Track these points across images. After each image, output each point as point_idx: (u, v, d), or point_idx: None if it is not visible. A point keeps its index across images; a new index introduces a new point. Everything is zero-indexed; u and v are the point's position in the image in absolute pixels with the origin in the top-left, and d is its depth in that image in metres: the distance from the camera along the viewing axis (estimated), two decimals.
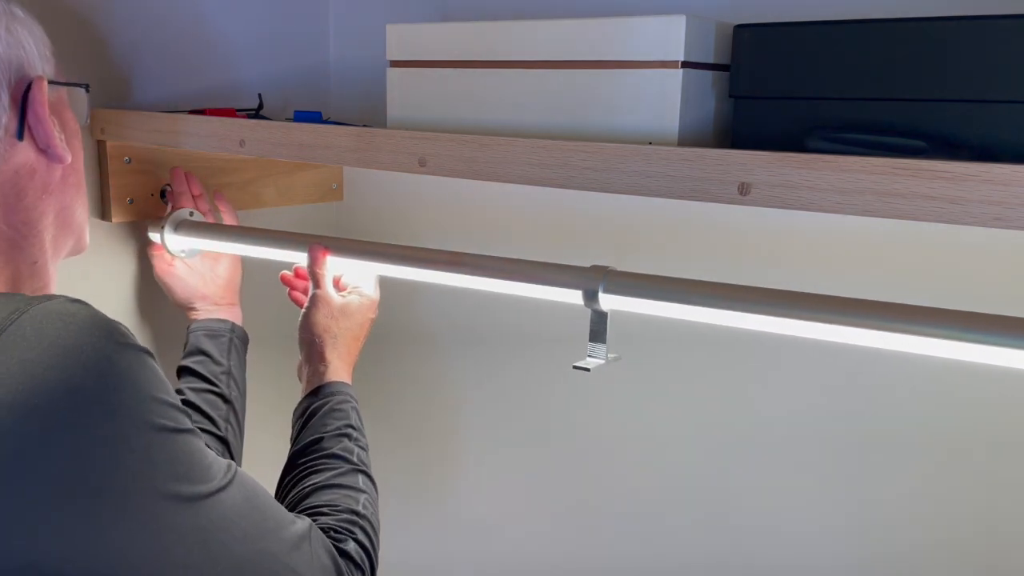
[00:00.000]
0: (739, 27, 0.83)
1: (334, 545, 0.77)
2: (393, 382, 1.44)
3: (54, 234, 0.76)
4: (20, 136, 0.71)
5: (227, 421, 1.06)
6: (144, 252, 1.17)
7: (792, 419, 1.07)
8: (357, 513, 0.84)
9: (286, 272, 1.15)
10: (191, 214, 1.15)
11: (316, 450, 0.91)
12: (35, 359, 0.56)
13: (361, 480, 0.89)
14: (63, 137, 0.75)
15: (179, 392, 1.06)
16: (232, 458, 1.05)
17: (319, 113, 1.17)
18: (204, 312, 1.14)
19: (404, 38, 0.99)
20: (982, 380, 0.94)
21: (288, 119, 1.14)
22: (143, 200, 1.18)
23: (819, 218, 0.78)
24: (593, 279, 0.85)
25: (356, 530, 0.82)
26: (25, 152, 0.72)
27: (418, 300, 1.37)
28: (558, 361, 1.25)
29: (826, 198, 0.65)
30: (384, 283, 1.11)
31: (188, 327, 1.13)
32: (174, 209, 1.14)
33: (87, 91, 0.83)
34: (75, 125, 0.80)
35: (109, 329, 0.60)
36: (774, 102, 0.82)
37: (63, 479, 0.55)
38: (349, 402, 0.98)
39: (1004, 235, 0.60)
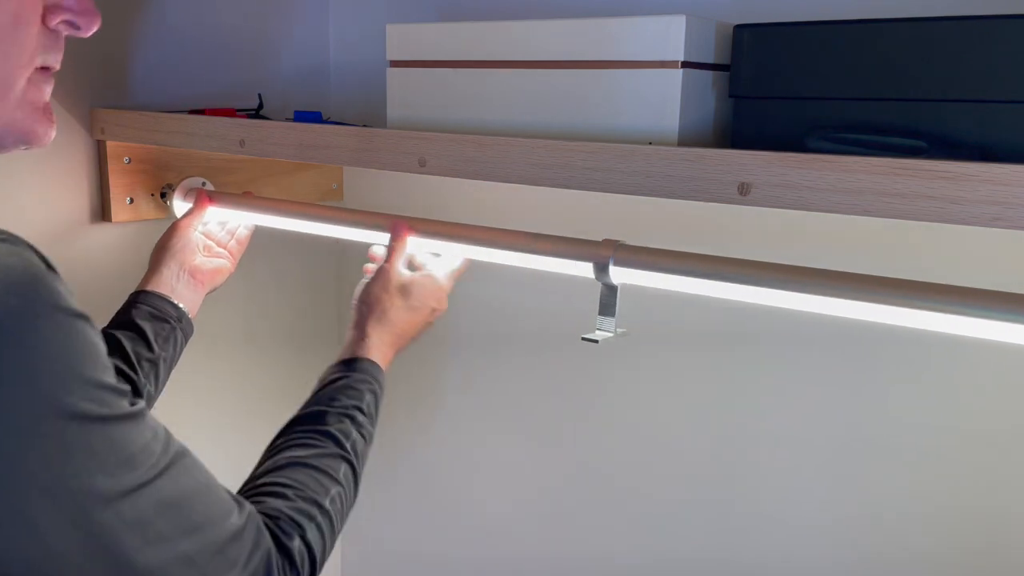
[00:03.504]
0: (739, 27, 0.83)
1: (275, 539, 0.70)
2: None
3: None
4: None
5: None
6: (145, 252, 1.17)
7: (795, 418, 1.07)
8: (320, 507, 0.75)
9: (375, 251, 1.08)
10: (203, 184, 1.17)
11: (314, 422, 0.85)
12: None
13: (343, 470, 0.81)
14: None
15: None
16: None
17: (319, 113, 1.17)
18: (167, 276, 1.06)
19: (404, 38, 0.99)
20: (983, 379, 0.94)
21: (288, 119, 1.14)
22: (143, 200, 1.19)
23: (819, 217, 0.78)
24: (604, 252, 0.86)
25: (310, 526, 0.73)
26: None
27: None
28: (558, 353, 1.25)
29: (826, 198, 0.65)
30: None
31: (135, 292, 1.05)
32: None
33: None
34: None
35: (44, 289, 0.53)
36: (774, 102, 0.82)
37: None
38: (369, 383, 0.90)
39: (1004, 235, 0.60)
